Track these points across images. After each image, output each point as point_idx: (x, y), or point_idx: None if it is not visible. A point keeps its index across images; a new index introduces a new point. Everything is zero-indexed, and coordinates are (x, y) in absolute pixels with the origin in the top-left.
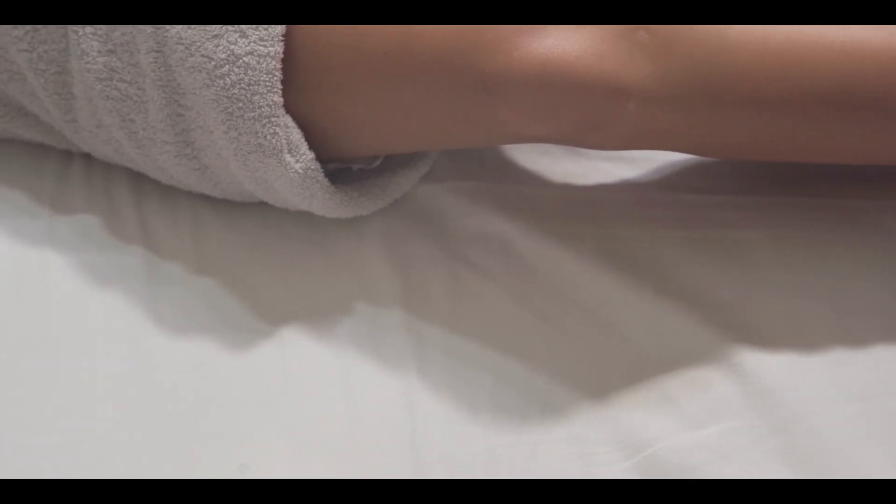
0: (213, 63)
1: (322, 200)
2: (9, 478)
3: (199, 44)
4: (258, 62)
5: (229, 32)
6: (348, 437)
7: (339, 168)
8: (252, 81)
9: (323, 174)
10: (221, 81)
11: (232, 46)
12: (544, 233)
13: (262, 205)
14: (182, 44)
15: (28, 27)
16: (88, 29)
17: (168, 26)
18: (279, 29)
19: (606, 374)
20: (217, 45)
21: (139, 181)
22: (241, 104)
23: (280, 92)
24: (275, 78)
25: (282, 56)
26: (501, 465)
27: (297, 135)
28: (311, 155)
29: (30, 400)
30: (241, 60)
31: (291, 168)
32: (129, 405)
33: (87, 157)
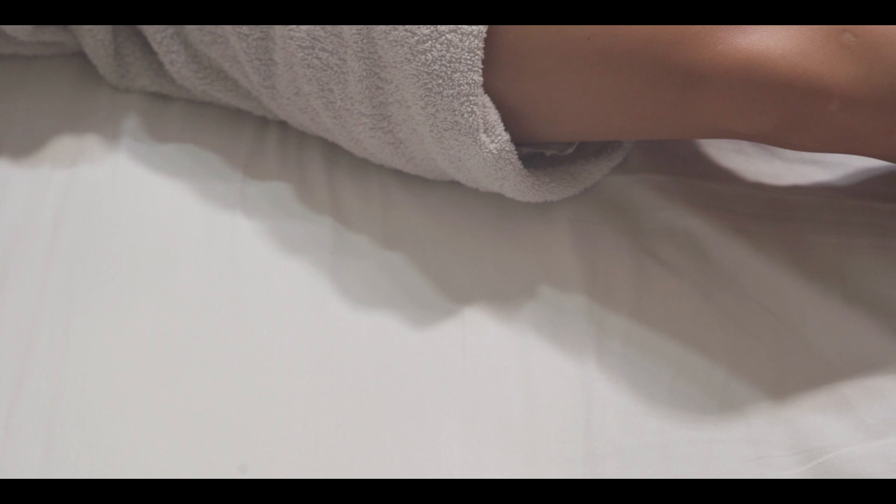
0: (416, 38)
1: (513, 183)
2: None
3: None
4: (461, 40)
5: None
6: (524, 421)
7: (533, 152)
8: (453, 59)
9: (517, 156)
10: (423, 57)
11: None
12: (733, 231)
13: (453, 184)
14: None
15: None
16: None
17: None
18: None
19: (786, 376)
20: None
21: (332, 152)
22: (440, 81)
23: (480, 71)
24: (476, 56)
25: (485, 35)
26: (676, 460)
27: (494, 115)
28: (506, 136)
29: (210, 361)
30: (444, 37)
31: (486, 148)
32: (308, 374)
33: (283, 125)
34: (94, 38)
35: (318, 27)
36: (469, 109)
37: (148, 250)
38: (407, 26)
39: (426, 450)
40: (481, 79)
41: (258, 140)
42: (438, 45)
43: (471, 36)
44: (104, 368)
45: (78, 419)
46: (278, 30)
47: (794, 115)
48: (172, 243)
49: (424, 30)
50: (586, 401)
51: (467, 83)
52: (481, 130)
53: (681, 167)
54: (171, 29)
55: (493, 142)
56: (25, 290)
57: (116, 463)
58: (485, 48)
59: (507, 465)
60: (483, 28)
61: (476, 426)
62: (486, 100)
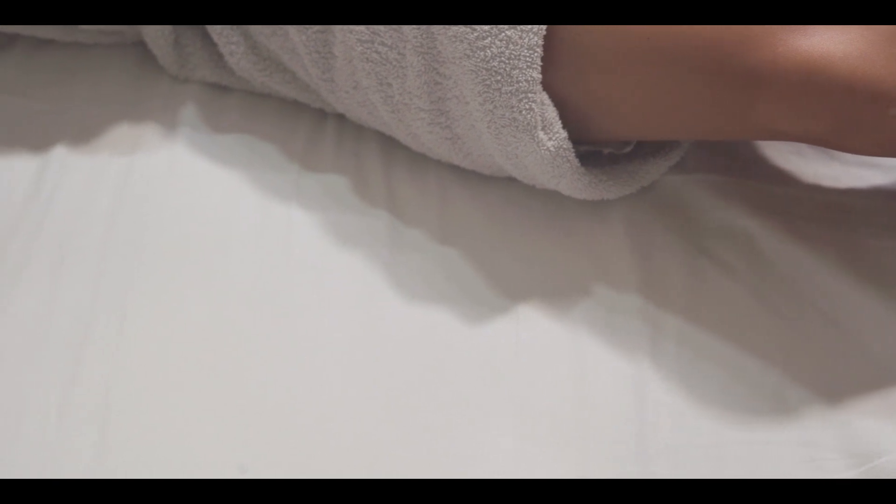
0: (476, 34)
1: (570, 180)
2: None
3: None
4: (520, 36)
5: None
6: (575, 420)
7: (590, 150)
8: (512, 55)
9: (574, 154)
10: (482, 53)
11: None
12: (789, 233)
13: (510, 180)
14: None
15: None
16: None
17: None
18: None
19: (840, 379)
20: None
21: (390, 146)
22: (499, 77)
23: (539, 68)
24: (535, 53)
25: (544, 32)
26: (728, 461)
27: (552, 113)
28: (564, 134)
29: (262, 353)
30: (503, 34)
31: (543, 145)
32: (360, 368)
33: (340, 118)
34: (155, 28)
35: None
36: (527, 106)
37: (203, 240)
38: None
39: (476, 446)
40: (540, 76)
41: (315, 132)
42: (498, 42)
43: (530, 33)
44: (157, 357)
45: (131, 406)
46: None
47: (852, 118)
48: (227, 234)
49: (484, 26)
50: (639, 400)
51: (526, 80)
52: (539, 128)
53: (738, 168)
54: None
55: (550, 139)
56: (82, 278)
57: (168, 450)
58: (544, 45)
59: (558, 464)
60: (543, 25)
61: (527, 424)
62: (545, 97)
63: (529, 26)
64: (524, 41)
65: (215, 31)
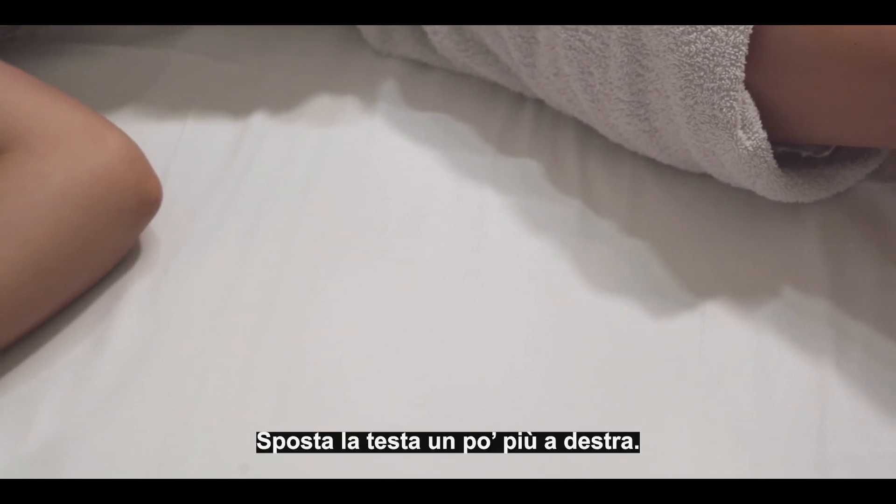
0: (681, 28)
1: (766, 181)
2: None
3: None
4: (726, 33)
5: None
6: (754, 420)
7: (787, 152)
8: (717, 52)
9: (772, 155)
10: (686, 48)
11: None
12: None
13: (704, 176)
14: None
15: None
16: None
17: None
18: None
19: None
20: None
21: (586, 135)
22: (702, 73)
23: (743, 67)
24: (740, 52)
25: (751, 31)
26: None
27: (752, 112)
28: (763, 134)
29: (446, 334)
30: (709, 29)
31: (742, 144)
32: (542, 355)
33: (539, 103)
34: None
35: None
36: (728, 104)
37: (395, 217)
38: None
39: (654, 439)
40: (743, 74)
41: (513, 116)
42: (703, 38)
43: (737, 30)
44: (341, 331)
45: (311, 377)
46: None
47: None
48: (420, 212)
49: None
50: (821, 405)
51: (729, 78)
52: (738, 126)
53: None
54: None
55: (749, 139)
56: (273, 245)
57: (343, 424)
58: (749, 44)
59: (735, 466)
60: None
61: (706, 421)
62: (746, 96)
63: (736, 25)
64: (730, 38)
65: None
